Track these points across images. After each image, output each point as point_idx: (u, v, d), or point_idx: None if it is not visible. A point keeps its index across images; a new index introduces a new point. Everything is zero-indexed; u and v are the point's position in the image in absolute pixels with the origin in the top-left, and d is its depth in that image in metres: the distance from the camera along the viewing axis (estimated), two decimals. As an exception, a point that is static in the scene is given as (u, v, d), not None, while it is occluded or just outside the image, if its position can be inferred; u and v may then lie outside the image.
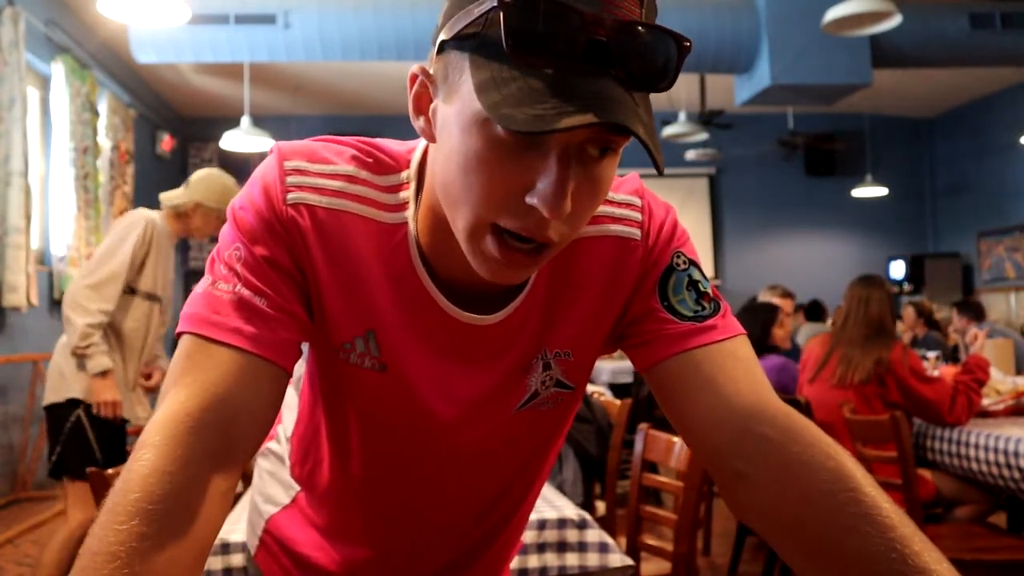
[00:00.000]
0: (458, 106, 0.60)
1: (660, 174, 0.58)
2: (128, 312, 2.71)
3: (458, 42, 0.60)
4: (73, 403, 2.60)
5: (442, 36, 0.62)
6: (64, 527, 2.57)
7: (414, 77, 0.67)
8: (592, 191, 0.61)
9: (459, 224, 0.63)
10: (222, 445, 0.62)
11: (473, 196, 0.60)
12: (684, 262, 0.77)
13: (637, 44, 0.56)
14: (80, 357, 2.57)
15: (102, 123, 6.06)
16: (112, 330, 2.69)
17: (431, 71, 0.65)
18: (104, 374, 2.56)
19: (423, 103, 0.67)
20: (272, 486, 0.94)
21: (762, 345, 3.33)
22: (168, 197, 2.79)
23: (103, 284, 2.58)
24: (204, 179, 2.78)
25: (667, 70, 0.58)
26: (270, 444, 1.00)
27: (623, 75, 0.56)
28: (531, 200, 0.58)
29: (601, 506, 2.74)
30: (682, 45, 0.58)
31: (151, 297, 2.75)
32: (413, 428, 0.78)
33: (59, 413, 2.61)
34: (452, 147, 0.61)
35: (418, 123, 0.68)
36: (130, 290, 2.69)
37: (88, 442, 2.59)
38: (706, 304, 0.75)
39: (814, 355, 2.88)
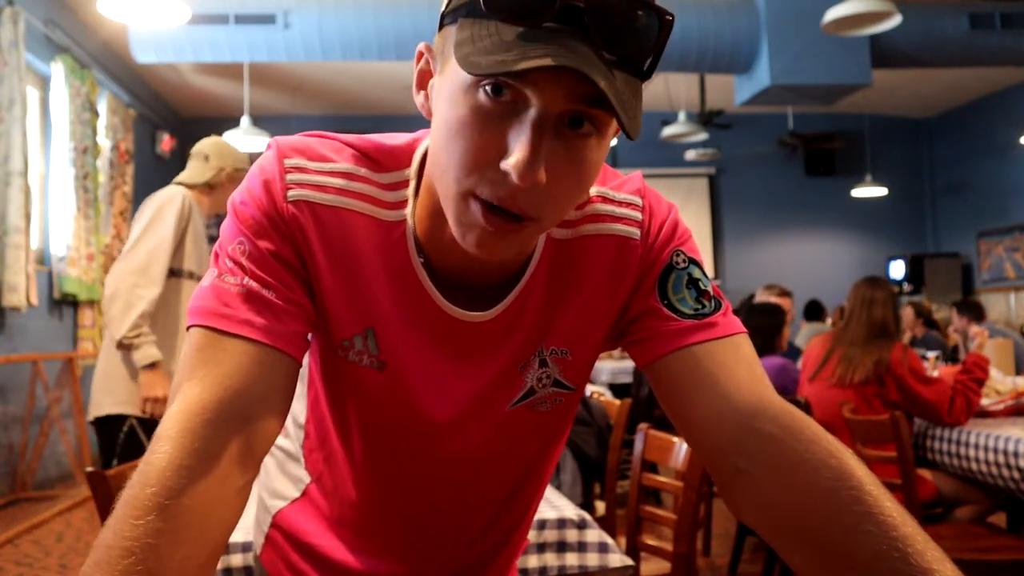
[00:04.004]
0: (448, 75, 0.62)
1: (631, 139, 0.58)
2: (180, 297, 2.44)
3: (452, 14, 0.62)
4: (123, 414, 2.40)
5: (442, 11, 0.64)
6: None
7: (420, 54, 0.69)
8: (572, 169, 0.61)
9: (445, 193, 0.64)
10: (239, 438, 0.62)
11: (455, 161, 0.61)
12: (684, 260, 0.76)
13: (613, 11, 0.56)
14: (126, 348, 2.34)
15: (102, 123, 6.06)
16: (160, 321, 2.43)
17: (433, 47, 0.67)
18: (154, 366, 2.32)
19: (425, 79, 0.69)
20: (279, 480, 0.93)
21: (769, 347, 3.32)
22: (192, 176, 2.58)
23: (147, 266, 2.35)
24: (219, 144, 2.61)
25: (645, 42, 0.58)
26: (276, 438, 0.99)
27: (600, 43, 0.56)
28: (505, 165, 0.58)
29: (601, 506, 2.73)
30: (664, 19, 0.58)
31: (194, 277, 2.50)
32: (410, 425, 0.78)
33: (110, 426, 2.41)
34: (441, 117, 0.63)
35: (418, 98, 0.70)
36: (174, 272, 2.45)
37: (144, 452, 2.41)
38: (707, 302, 0.75)
39: (814, 354, 2.88)
